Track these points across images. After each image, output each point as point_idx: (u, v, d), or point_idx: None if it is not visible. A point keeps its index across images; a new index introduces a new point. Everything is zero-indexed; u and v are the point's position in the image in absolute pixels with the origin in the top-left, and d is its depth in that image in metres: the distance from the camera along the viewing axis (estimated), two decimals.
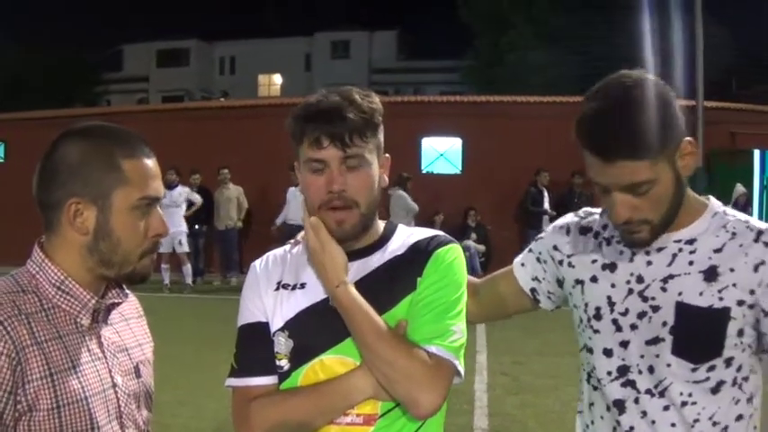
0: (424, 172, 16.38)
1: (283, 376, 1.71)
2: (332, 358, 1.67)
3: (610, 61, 5.07)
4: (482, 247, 14.62)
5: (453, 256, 1.75)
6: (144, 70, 44.35)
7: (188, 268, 13.88)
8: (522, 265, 2.06)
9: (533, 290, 2.03)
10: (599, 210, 1.95)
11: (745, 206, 13.49)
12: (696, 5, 15.52)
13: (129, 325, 1.73)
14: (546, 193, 14.54)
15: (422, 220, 13.67)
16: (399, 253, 1.76)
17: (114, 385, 1.58)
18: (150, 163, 1.60)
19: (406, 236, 1.81)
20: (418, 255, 1.74)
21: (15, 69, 33.36)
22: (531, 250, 2.05)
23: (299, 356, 1.69)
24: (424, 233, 1.81)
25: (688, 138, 1.71)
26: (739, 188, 13.64)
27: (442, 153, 16.82)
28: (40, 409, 1.43)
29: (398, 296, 1.70)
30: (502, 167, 15.44)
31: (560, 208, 12.70)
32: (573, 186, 14.14)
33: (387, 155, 1.77)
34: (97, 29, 41.84)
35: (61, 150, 1.55)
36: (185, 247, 13.66)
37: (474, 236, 14.67)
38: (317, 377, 1.67)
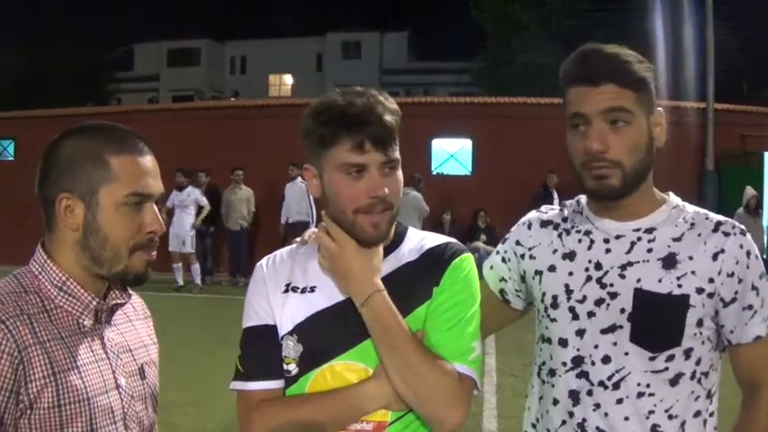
0: (434, 173, 16.35)
1: (291, 381, 1.68)
2: (342, 364, 1.64)
3: None
4: (491, 249, 14.52)
5: (469, 266, 1.73)
6: (155, 69, 44.33)
7: (196, 268, 13.88)
8: (491, 268, 2.07)
9: (502, 291, 2.04)
10: (558, 206, 2.00)
11: (755, 208, 13.41)
12: (707, 8, 15.48)
13: (135, 326, 1.72)
14: (556, 195, 14.48)
15: (430, 219, 13.66)
16: (412, 259, 1.72)
17: (118, 386, 1.58)
18: (142, 160, 1.58)
19: (418, 240, 1.77)
20: (434, 263, 1.71)
21: (26, 68, 33.46)
22: (497, 252, 2.07)
23: (309, 361, 1.66)
24: (437, 239, 1.77)
25: (660, 109, 1.80)
26: (749, 190, 13.53)
27: (452, 154, 16.79)
28: (40, 407, 1.42)
29: (413, 304, 1.67)
30: (512, 169, 15.40)
31: None
32: None
33: None
34: (108, 28, 41.95)
35: (56, 149, 1.55)
36: (188, 248, 13.63)
37: (484, 237, 14.60)
38: (327, 383, 1.64)
